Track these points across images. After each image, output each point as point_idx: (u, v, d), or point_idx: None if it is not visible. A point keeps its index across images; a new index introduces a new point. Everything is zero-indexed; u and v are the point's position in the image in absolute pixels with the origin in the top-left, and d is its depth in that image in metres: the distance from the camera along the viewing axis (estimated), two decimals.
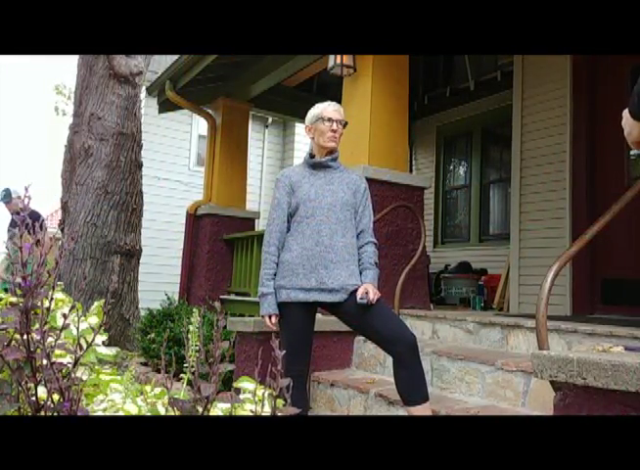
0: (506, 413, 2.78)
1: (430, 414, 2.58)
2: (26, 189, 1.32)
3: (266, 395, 1.14)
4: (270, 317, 2.70)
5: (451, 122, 7.47)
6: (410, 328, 4.00)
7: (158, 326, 5.35)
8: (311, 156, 2.90)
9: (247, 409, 1.37)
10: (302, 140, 11.49)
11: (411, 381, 2.56)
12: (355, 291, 2.68)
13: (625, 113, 1.50)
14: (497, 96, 6.53)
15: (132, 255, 7.11)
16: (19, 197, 6.47)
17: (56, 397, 1.20)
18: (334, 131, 2.83)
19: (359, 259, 2.83)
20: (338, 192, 2.82)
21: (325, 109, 2.86)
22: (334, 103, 2.91)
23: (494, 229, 7.06)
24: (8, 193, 6.99)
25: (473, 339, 3.61)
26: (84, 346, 1.31)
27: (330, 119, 2.83)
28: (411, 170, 7.95)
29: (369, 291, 2.63)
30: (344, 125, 2.89)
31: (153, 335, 5.26)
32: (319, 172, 2.86)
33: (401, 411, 3.02)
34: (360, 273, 2.80)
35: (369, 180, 4.23)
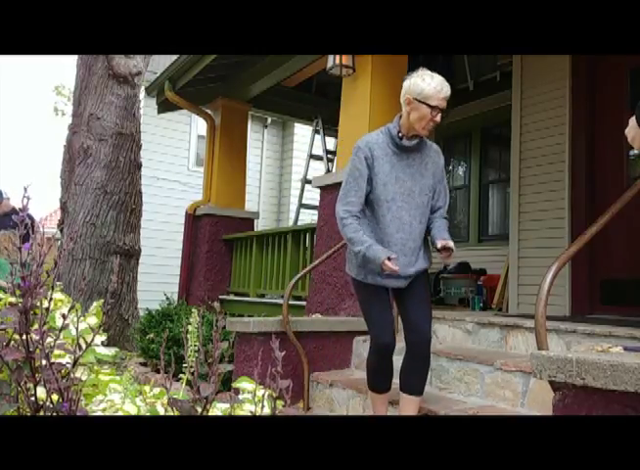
0: (505, 414, 2.78)
1: (416, 406, 2.71)
2: (25, 189, 1.32)
3: (266, 395, 1.14)
4: (389, 260, 2.53)
5: (450, 123, 7.45)
6: None
7: (157, 326, 5.35)
8: (399, 133, 2.70)
9: (246, 410, 1.37)
10: (301, 140, 11.48)
11: (414, 372, 2.70)
12: (421, 272, 2.75)
13: (632, 120, 1.51)
14: (496, 96, 6.52)
15: (131, 255, 7.11)
16: (8, 199, 6.43)
17: (55, 397, 1.20)
18: (434, 122, 2.64)
19: (430, 223, 2.78)
20: (417, 176, 2.70)
21: (436, 94, 2.58)
22: (447, 85, 2.63)
23: (493, 229, 7.06)
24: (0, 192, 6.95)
25: (472, 339, 3.61)
26: (83, 346, 1.31)
27: (436, 108, 2.60)
28: None
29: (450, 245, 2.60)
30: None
31: (152, 335, 5.26)
32: (402, 153, 2.70)
33: None
34: (429, 231, 2.77)
35: None
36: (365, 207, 2.71)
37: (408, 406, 2.70)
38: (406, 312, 2.74)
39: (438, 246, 2.61)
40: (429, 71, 2.67)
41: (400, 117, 2.73)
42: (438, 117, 2.63)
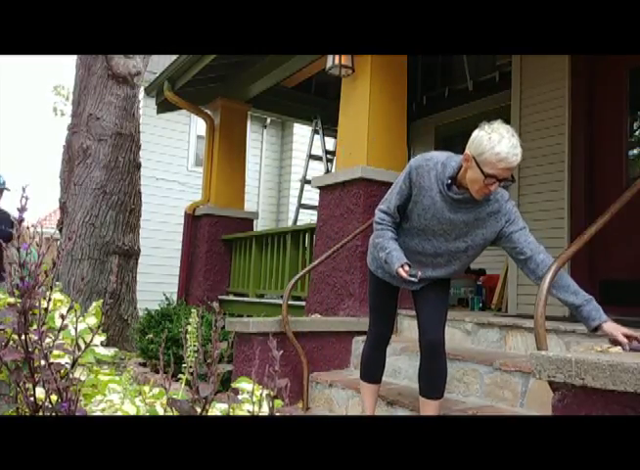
0: (504, 414, 2.78)
1: (431, 410, 2.65)
2: (24, 189, 1.32)
3: (264, 395, 1.14)
4: (402, 267, 2.42)
5: (450, 123, 7.46)
6: (408, 328, 4.01)
7: (156, 326, 5.35)
8: (450, 178, 2.39)
9: (245, 410, 1.37)
10: (300, 140, 11.48)
11: (425, 374, 2.67)
12: (439, 280, 2.65)
13: None
14: (496, 96, 6.51)
15: (130, 255, 7.11)
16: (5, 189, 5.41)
17: (54, 397, 1.20)
18: (488, 190, 2.29)
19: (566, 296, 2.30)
20: (460, 225, 2.46)
21: (497, 163, 2.19)
22: (515, 154, 2.19)
23: None
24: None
25: (471, 339, 3.61)
26: (82, 346, 1.31)
27: (493, 177, 2.22)
28: None
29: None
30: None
31: (151, 335, 5.26)
32: (449, 197, 2.43)
33: (399, 411, 3.03)
34: (582, 314, 2.23)
35: (367, 180, 4.25)
36: (403, 217, 2.61)
37: (424, 411, 2.68)
38: (418, 314, 2.72)
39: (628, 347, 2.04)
40: (503, 129, 2.24)
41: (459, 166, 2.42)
42: (494, 187, 2.26)
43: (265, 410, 1.07)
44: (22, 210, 1.28)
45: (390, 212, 2.60)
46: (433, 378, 2.65)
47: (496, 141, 2.19)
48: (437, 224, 2.49)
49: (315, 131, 8.18)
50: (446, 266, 2.61)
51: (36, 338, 1.22)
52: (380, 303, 2.87)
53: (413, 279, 2.41)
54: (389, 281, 2.76)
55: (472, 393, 3.08)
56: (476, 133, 2.30)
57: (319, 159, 8.17)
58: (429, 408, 2.66)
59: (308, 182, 6.52)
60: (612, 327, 2.14)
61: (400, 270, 2.42)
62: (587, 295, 2.29)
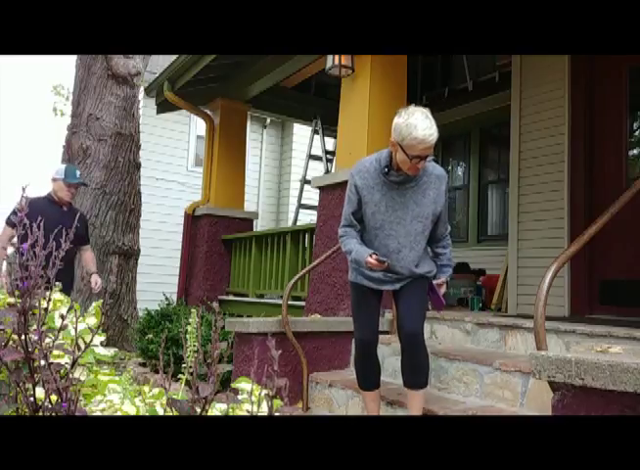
0: (504, 414, 2.78)
1: (417, 400, 2.75)
2: (24, 190, 1.32)
3: (263, 395, 1.14)
4: (371, 257, 2.61)
5: (449, 123, 7.44)
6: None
7: (156, 327, 5.35)
8: (386, 167, 2.66)
9: (244, 410, 1.37)
10: (300, 140, 11.47)
11: (407, 366, 2.76)
12: (419, 276, 2.81)
13: None
14: (495, 96, 6.52)
15: (130, 255, 7.11)
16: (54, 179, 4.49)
17: (54, 397, 1.20)
18: (417, 168, 2.58)
19: (439, 259, 2.92)
20: (410, 204, 2.69)
21: (417, 145, 2.46)
22: (431, 134, 2.47)
23: (493, 230, 7.05)
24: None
25: (471, 339, 3.61)
26: (82, 346, 1.31)
27: (417, 157, 2.51)
28: None
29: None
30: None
31: (151, 335, 5.26)
32: (393, 183, 2.68)
33: (399, 411, 3.03)
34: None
35: None
36: (363, 224, 2.82)
37: (410, 401, 2.78)
38: (397, 309, 2.86)
39: (433, 283, 2.88)
40: (418, 113, 2.50)
41: (390, 153, 2.69)
42: (421, 164, 2.56)
43: (265, 410, 1.07)
44: (21, 210, 1.28)
45: (348, 223, 2.81)
46: (415, 369, 2.73)
47: (413, 127, 2.46)
48: (392, 212, 2.69)
49: (315, 131, 8.17)
50: (410, 256, 2.74)
51: (36, 338, 1.22)
52: (361, 310, 2.93)
53: (384, 264, 2.60)
54: (370, 285, 2.84)
55: (472, 393, 3.08)
56: (395, 120, 2.55)
57: (319, 159, 8.17)
58: (415, 399, 2.75)
59: (308, 182, 6.53)
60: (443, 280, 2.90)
61: (369, 259, 2.60)
62: (451, 262, 2.96)
